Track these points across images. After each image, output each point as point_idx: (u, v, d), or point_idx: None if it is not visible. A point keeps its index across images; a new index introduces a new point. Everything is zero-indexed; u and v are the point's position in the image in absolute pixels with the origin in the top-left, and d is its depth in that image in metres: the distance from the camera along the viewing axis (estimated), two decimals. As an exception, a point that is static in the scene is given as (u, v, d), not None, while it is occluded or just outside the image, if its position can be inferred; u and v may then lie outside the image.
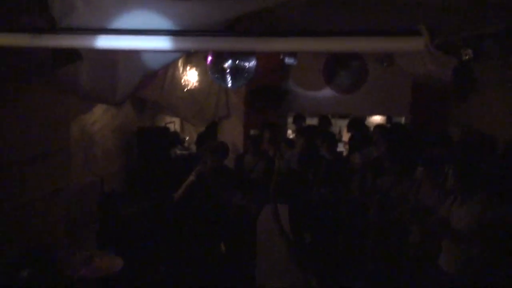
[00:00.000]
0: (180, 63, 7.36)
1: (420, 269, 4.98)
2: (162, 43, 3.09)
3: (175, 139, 8.50)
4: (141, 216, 5.82)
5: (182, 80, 7.38)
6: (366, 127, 9.04)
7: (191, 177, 5.93)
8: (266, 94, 8.64)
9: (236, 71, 4.61)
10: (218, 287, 5.63)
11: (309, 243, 4.24)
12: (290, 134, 9.74)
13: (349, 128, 8.37)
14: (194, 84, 7.48)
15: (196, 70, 7.55)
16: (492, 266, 4.10)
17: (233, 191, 5.97)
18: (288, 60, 6.78)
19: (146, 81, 5.39)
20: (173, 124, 9.03)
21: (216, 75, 4.72)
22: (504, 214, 4.12)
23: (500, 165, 5.21)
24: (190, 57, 7.41)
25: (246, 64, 4.62)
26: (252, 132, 7.21)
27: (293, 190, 4.37)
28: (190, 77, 7.40)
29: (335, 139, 7.32)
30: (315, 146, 6.77)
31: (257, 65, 4.87)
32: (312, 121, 9.17)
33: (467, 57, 4.77)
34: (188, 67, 7.46)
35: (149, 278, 5.23)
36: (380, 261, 5.55)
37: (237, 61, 4.57)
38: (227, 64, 4.58)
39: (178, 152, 8.50)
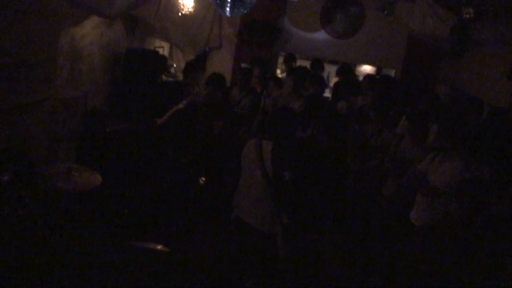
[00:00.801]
0: (177, -14, 7.17)
1: (390, 220, 5.12)
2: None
3: (163, 64, 8.37)
4: (123, 135, 5.81)
5: (177, 4, 7.19)
6: (355, 75, 9.04)
7: (180, 105, 5.91)
8: (260, 29, 8.51)
9: (237, -1, 4.52)
10: (192, 215, 5.76)
11: (287, 181, 4.29)
12: (279, 73, 9.68)
13: (338, 73, 8.35)
14: (189, 10, 7.30)
15: (192, -5, 7.37)
16: (464, 224, 4.22)
17: (221, 122, 6.01)
18: (291, -4, 6.68)
19: (142, 0, 5.25)
20: (162, 49, 8.87)
21: (216, 1, 4.62)
22: (481, 175, 4.22)
23: (484, 127, 5.28)
24: (187, -20, 7.21)
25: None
26: (243, 65, 7.14)
27: (279, 128, 4.37)
28: (186, 2, 7.20)
29: (324, 84, 7.32)
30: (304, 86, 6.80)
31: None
32: (303, 62, 9.09)
33: (467, 16, 4.75)
34: (184, -9, 7.26)
35: (126, 197, 5.28)
36: (354, 208, 5.69)
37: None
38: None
39: (164, 78, 8.40)
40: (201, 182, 6.45)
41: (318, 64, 8.60)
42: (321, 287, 4.94)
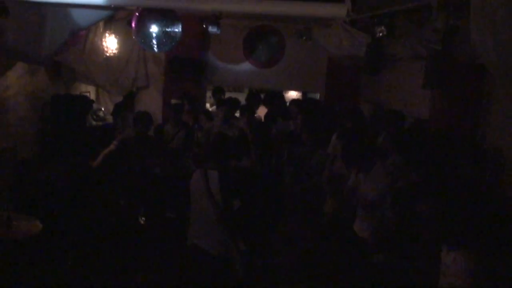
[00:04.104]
0: (100, 29, 7.20)
1: (336, 235, 5.25)
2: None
3: (90, 107, 8.28)
4: (56, 180, 5.71)
5: (102, 47, 7.22)
6: (284, 101, 9.29)
7: (112, 146, 5.88)
8: (185, 65, 8.61)
9: (162, 36, 4.61)
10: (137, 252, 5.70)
11: (237, 209, 4.38)
12: (209, 107, 9.79)
13: (265, 102, 8.54)
14: (113, 52, 7.34)
15: (116, 37, 7.41)
16: (395, 230, 4.41)
17: (154, 159, 6.03)
18: (212, 29, 6.83)
19: (67, 45, 5.26)
20: (89, 93, 8.81)
21: (142, 40, 4.70)
22: (410, 180, 4.45)
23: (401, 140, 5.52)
24: (110, 23, 7.26)
25: (172, 29, 4.64)
26: (173, 101, 7.22)
27: (221, 153, 4.48)
28: (110, 44, 7.25)
29: (254, 113, 7.49)
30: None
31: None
32: (232, 94, 9.26)
33: (380, 34, 5.05)
34: (107, 34, 7.30)
35: (67, 242, 5.17)
36: (298, 226, 5.79)
37: (163, 26, 4.57)
38: (153, 28, 4.57)
39: (94, 122, 8.32)
40: (141, 221, 6.40)
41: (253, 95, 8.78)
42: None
